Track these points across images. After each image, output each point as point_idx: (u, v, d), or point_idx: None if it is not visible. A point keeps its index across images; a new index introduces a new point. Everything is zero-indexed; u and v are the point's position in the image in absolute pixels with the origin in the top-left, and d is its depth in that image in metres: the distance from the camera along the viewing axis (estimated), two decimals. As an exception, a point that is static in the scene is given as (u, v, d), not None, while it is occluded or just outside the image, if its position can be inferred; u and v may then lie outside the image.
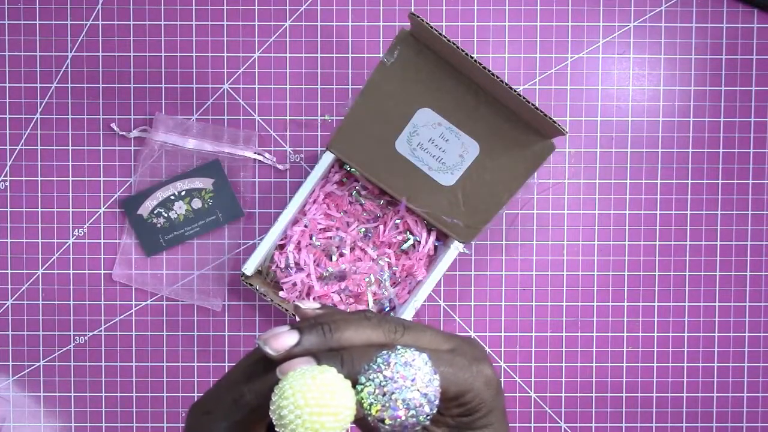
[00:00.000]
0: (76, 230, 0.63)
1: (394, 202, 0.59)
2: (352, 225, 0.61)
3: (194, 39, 0.63)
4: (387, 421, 0.25)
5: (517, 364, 0.64)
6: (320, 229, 0.61)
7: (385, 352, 0.26)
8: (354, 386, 0.25)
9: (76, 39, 0.62)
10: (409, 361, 0.25)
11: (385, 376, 0.25)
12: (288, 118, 0.63)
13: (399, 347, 0.26)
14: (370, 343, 0.27)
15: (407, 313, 0.57)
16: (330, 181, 0.60)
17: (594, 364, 0.64)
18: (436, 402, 0.26)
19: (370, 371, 0.26)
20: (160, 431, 0.64)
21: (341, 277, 0.60)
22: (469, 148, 0.54)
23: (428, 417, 0.26)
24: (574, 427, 0.64)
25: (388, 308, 0.61)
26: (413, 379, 0.25)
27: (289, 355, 0.26)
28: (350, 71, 0.63)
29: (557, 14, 0.63)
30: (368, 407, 0.25)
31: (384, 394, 0.25)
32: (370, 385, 0.25)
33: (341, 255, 0.61)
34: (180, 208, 0.62)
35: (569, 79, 0.63)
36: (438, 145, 0.54)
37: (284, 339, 0.26)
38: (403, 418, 0.25)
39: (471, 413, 0.28)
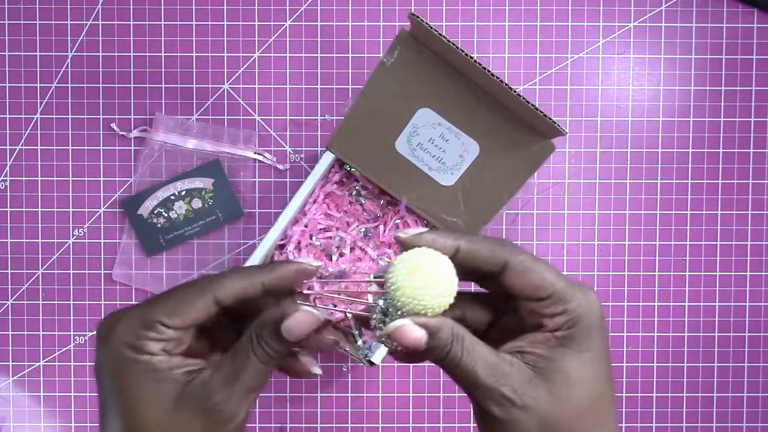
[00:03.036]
0: (76, 230, 0.63)
1: (394, 202, 0.59)
2: (352, 225, 0.61)
3: (194, 39, 0.63)
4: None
5: (517, 364, 0.64)
6: (320, 229, 0.61)
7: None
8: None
9: (76, 39, 0.62)
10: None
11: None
12: (288, 118, 0.63)
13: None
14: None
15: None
16: (330, 181, 0.60)
17: (594, 364, 0.64)
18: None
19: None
20: (160, 431, 0.64)
21: (341, 277, 0.60)
22: (469, 148, 0.54)
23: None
24: (574, 427, 0.64)
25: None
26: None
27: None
28: (350, 71, 0.63)
29: (557, 14, 0.63)
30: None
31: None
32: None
33: (341, 255, 0.61)
34: (180, 208, 0.62)
35: (569, 79, 0.63)
36: (438, 145, 0.54)
37: (418, 230, 0.31)
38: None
39: (567, 326, 0.29)
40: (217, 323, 0.32)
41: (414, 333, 0.29)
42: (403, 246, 0.31)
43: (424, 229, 0.31)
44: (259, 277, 0.30)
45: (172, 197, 0.62)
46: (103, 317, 0.30)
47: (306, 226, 0.60)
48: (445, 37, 0.48)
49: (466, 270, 0.30)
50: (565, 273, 0.63)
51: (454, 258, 0.30)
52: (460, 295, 0.31)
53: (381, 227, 0.60)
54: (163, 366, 0.28)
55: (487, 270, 0.30)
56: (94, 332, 0.63)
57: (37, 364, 0.63)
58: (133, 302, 0.63)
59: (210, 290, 0.30)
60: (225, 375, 0.29)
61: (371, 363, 0.57)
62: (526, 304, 0.30)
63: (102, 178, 0.63)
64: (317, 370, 0.32)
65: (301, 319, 0.29)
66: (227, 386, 0.28)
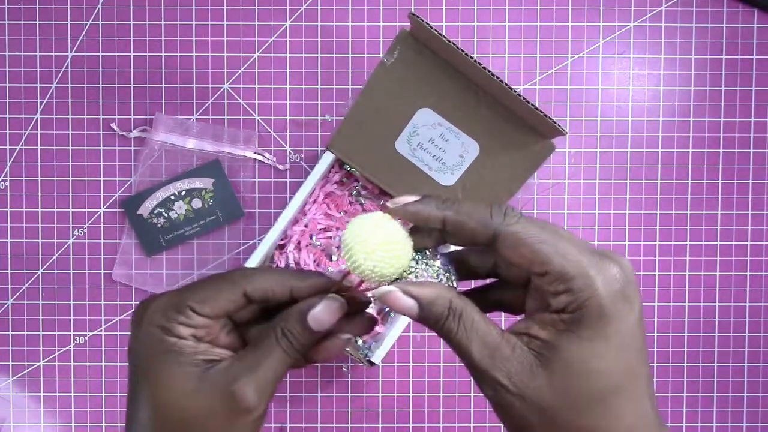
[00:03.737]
0: (76, 230, 0.63)
1: (394, 202, 0.59)
2: (352, 225, 0.61)
3: (194, 39, 0.63)
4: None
5: (517, 364, 0.64)
6: (320, 229, 0.61)
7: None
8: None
9: (76, 39, 0.62)
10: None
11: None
12: (288, 118, 0.63)
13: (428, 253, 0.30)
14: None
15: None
16: (330, 181, 0.60)
17: (594, 364, 0.64)
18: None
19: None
20: (160, 431, 0.64)
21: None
22: (469, 148, 0.54)
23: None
24: (574, 427, 0.64)
25: (388, 308, 0.61)
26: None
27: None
28: (350, 71, 0.63)
29: (557, 14, 0.63)
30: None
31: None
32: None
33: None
34: (180, 208, 0.62)
35: (569, 79, 0.63)
36: (438, 145, 0.54)
37: (405, 200, 0.30)
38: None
39: (572, 308, 0.26)
40: (252, 320, 0.32)
41: (402, 301, 0.28)
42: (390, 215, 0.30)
43: (412, 198, 0.29)
44: (290, 281, 0.31)
45: (172, 197, 0.62)
46: (139, 301, 0.30)
47: (306, 226, 0.60)
48: (445, 37, 0.48)
49: (459, 241, 0.29)
50: (565, 273, 0.63)
51: (442, 229, 0.29)
52: (488, 287, 0.32)
53: (381, 227, 0.60)
54: (188, 350, 0.29)
55: (478, 242, 0.28)
56: (94, 333, 0.63)
57: (37, 364, 0.63)
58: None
59: (241, 284, 0.30)
60: (247, 362, 0.29)
61: (371, 363, 0.57)
62: (533, 279, 0.27)
63: (102, 178, 0.63)
64: (347, 336, 0.32)
65: (328, 306, 0.30)
66: (248, 373, 0.29)
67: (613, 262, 0.26)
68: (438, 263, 0.30)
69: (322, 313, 0.30)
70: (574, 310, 0.26)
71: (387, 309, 0.61)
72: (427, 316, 0.28)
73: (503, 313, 0.32)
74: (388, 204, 0.30)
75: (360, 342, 0.61)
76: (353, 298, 0.31)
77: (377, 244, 0.28)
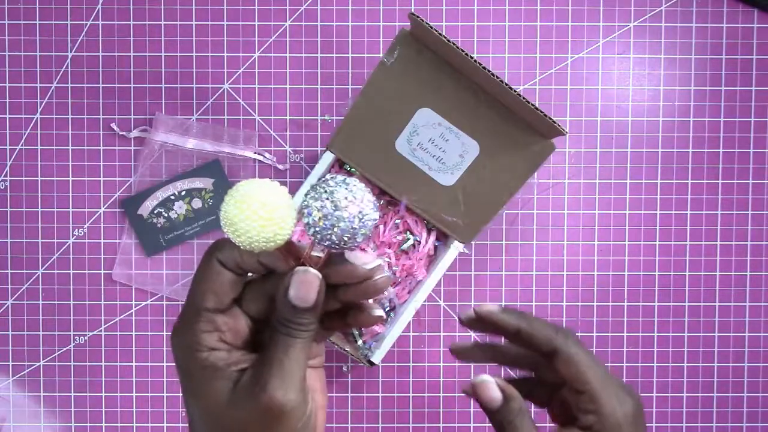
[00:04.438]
0: (76, 230, 0.63)
1: (394, 202, 0.59)
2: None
3: (194, 39, 0.63)
4: (329, 240, 0.28)
5: (517, 364, 0.64)
6: (320, 229, 0.61)
7: (326, 179, 0.29)
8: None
9: (76, 39, 0.62)
10: (348, 185, 0.29)
11: (325, 200, 0.28)
12: (288, 118, 0.63)
13: (332, 176, 0.29)
14: None
15: (407, 313, 0.57)
16: (330, 181, 0.60)
17: (594, 364, 0.64)
18: (372, 219, 0.29)
19: (310, 196, 0.29)
20: (160, 431, 0.64)
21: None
22: (469, 148, 0.54)
23: (366, 234, 0.29)
24: (574, 427, 0.64)
25: (388, 308, 0.61)
26: (345, 197, 0.28)
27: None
28: (350, 71, 0.63)
29: (557, 14, 0.63)
30: (310, 225, 0.28)
31: (324, 216, 0.28)
32: (312, 205, 0.28)
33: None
34: (180, 208, 0.62)
35: (569, 79, 0.63)
36: (438, 145, 0.54)
37: (493, 307, 0.36)
38: (341, 233, 0.28)
39: (596, 428, 0.32)
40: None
41: (492, 392, 0.33)
42: (477, 318, 0.36)
43: (496, 306, 0.35)
44: None
45: (172, 197, 0.62)
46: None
47: (306, 226, 0.60)
48: (445, 37, 0.48)
49: (522, 345, 0.35)
50: (565, 273, 0.63)
51: (515, 336, 0.34)
52: (526, 379, 0.37)
53: (381, 227, 0.60)
54: (221, 363, 0.29)
55: (538, 351, 0.34)
56: (94, 333, 0.63)
57: (37, 364, 0.63)
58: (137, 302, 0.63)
59: (213, 254, 0.30)
60: (265, 362, 0.29)
61: (371, 363, 0.57)
62: (568, 394, 0.34)
63: (102, 178, 0.63)
64: (379, 312, 0.32)
65: (299, 281, 0.29)
66: (269, 372, 0.28)
67: (631, 397, 0.33)
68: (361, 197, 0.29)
69: (298, 289, 0.29)
70: (599, 430, 0.32)
71: (387, 308, 0.61)
72: (507, 410, 0.33)
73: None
74: (475, 309, 0.34)
75: (360, 342, 0.61)
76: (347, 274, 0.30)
77: (258, 206, 0.27)
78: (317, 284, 0.29)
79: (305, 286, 0.29)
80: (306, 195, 0.29)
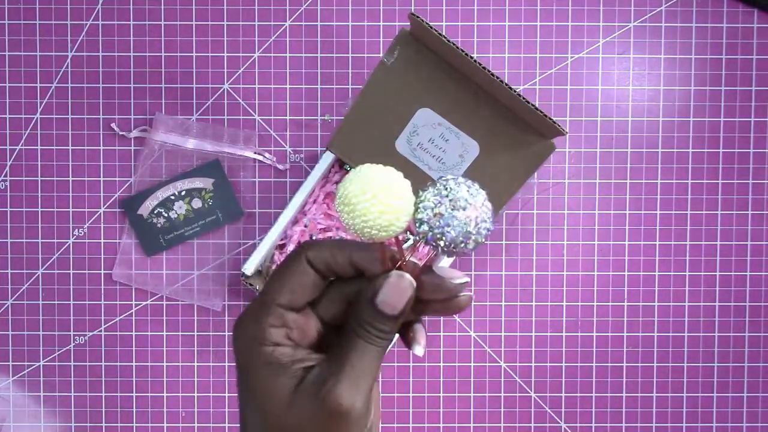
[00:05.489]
0: (76, 230, 0.63)
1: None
2: (352, 225, 0.61)
3: (194, 39, 0.63)
4: (440, 240, 0.27)
5: (517, 364, 0.64)
6: (320, 229, 0.61)
7: (446, 178, 0.27)
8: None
9: (76, 39, 0.62)
10: (469, 188, 0.27)
11: (444, 197, 0.27)
12: (288, 118, 0.63)
13: (453, 176, 0.28)
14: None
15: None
16: (330, 181, 0.60)
17: (594, 364, 0.64)
18: (487, 228, 0.27)
19: (429, 192, 0.27)
20: (160, 431, 0.64)
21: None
22: (469, 148, 0.54)
23: (478, 242, 0.27)
24: (574, 427, 0.64)
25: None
26: (465, 199, 0.27)
27: None
28: (350, 71, 0.63)
29: (557, 14, 0.63)
30: (423, 221, 0.27)
31: (440, 213, 0.27)
32: (429, 200, 0.27)
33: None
34: (180, 208, 0.62)
35: (569, 79, 0.63)
36: (438, 145, 0.54)
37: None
38: (455, 235, 0.27)
39: None
40: (343, 317, 0.31)
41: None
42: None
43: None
44: (348, 248, 0.29)
45: (172, 197, 0.62)
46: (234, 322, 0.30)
47: (306, 226, 0.60)
48: (445, 37, 0.48)
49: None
50: (565, 273, 0.63)
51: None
52: None
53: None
54: (285, 359, 0.28)
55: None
56: (94, 333, 0.63)
57: (37, 364, 0.63)
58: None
59: (303, 252, 0.29)
60: (334, 364, 0.28)
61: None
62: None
63: (102, 178, 0.63)
64: (419, 351, 0.30)
65: (393, 287, 0.28)
66: (336, 375, 0.27)
67: None
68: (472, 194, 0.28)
69: (388, 295, 0.28)
70: None
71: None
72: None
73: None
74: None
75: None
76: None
77: (380, 190, 0.26)
78: (410, 292, 0.28)
79: (398, 292, 0.28)
80: (423, 190, 0.28)
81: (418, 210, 0.27)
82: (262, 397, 0.28)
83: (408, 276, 0.28)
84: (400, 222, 0.27)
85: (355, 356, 0.27)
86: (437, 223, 0.27)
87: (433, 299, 0.29)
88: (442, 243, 0.27)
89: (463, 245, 0.27)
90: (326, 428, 0.27)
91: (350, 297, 0.30)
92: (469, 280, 0.29)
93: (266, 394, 0.28)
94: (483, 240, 0.28)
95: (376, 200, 0.26)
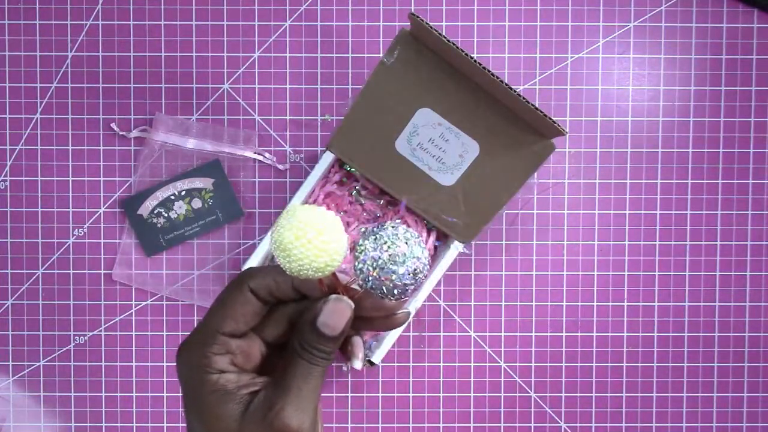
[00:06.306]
0: (76, 230, 0.63)
1: (394, 202, 0.59)
2: (352, 225, 0.61)
3: (194, 39, 0.63)
4: (378, 290, 0.28)
5: (517, 364, 0.64)
6: (320, 229, 0.61)
7: (386, 226, 0.29)
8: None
9: (76, 39, 0.62)
10: (408, 240, 0.29)
11: (383, 251, 0.28)
12: (288, 118, 0.63)
13: (393, 224, 0.29)
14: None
15: (407, 313, 0.57)
16: (330, 181, 0.60)
17: (594, 364, 0.64)
18: (424, 276, 0.29)
19: (369, 242, 0.29)
20: (160, 431, 0.64)
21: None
22: (469, 148, 0.54)
23: (415, 287, 0.29)
24: (574, 427, 0.64)
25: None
26: (404, 254, 0.28)
27: None
28: (350, 71, 0.63)
29: (557, 14, 0.63)
30: (362, 271, 0.28)
31: (380, 267, 0.28)
32: (368, 253, 0.28)
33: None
34: (180, 208, 0.62)
35: (569, 79, 0.63)
36: (438, 145, 0.54)
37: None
38: (392, 287, 0.28)
39: None
40: (286, 339, 0.32)
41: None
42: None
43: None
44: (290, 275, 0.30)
45: (172, 197, 0.62)
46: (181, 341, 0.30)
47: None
48: (445, 37, 0.48)
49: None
50: (565, 273, 0.63)
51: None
52: None
53: (381, 227, 0.60)
54: (231, 386, 0.29)
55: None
56: (94, 333, 0.63)
57: (37, 364, 0.63)
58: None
59: (245, 281, 0.30)
60: (280, 386, 0.28)
61: (371, 363, 0.57)
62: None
63: (102, 178, 0.63)
64: (357, 365, 0.32)
65: (332, 310, 0.29)
66: (283, 397, 0.28)
67: None
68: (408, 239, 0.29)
69: (328, 317, 0.29)
70: None
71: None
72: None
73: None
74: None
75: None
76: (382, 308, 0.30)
77: (314, 235, 0.27)
78: (348, 314, 0.29)
79: (337, 314, 0.29)
80: (363, 239, 0.29)
81: (357, 260, 0.29)
82: (210, 424, 0.28)
83: (346, 299, 0.29)
84: (334, 262, 0.28)
85: (300, 378, 0.28)
86: (376, 275, 0.28)
87: (372, 317, 0.30)
88: (380, 293, 0.29)
89: (400, 295, 0.29)
90: None
91: (293, 318, 0.31)
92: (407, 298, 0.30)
93: (214, 422, 0.28)
94: (419, 287, 0.29)
95: (311, 245, 0.27)
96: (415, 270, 0.28)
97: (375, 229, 0.29)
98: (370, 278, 0.28)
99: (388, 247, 0.28)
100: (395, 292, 0.28)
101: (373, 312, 0.30)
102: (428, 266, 0.29)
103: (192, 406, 0.29)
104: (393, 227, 0.29)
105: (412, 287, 0.29)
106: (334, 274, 0.30)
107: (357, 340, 0.32)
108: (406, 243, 0.28)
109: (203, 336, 0.29)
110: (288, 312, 0.31)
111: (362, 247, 0.29)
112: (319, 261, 0.27)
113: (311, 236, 0.27)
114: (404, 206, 0.57)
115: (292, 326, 0.31)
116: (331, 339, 0.29)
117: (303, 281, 0.30)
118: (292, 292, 0.30)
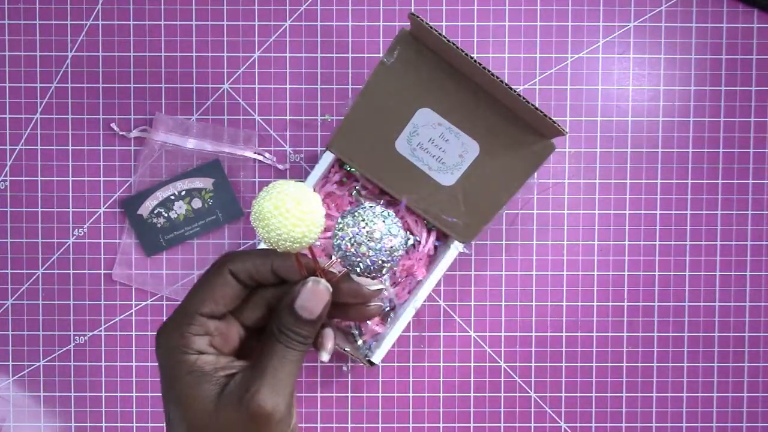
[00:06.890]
0: (76, 230, 0.63)
1: (394, 202, 0.59)
2: (352, 225, 0.61)
3: (194, 39, 0.63)
4: (356, 267, 0.29)
5: (517, 364, 0.64)
6: (320, 229, 0.61)
7: (365, 207, 0.30)
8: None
9: (76, 39, 0.62)
10: (385, 219, 0.29)
11: (361, 228, 0.29)
12: (288, 118, 0.63)
13: (371, 204, 0.30)
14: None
15: (407, 313, 0.57)
16: (330, 181, 0.60)
17: (594, 364, 0.64)
18: (400, 255, 0.30)
19: (348, 219, 0.29)
20: (159, 431, 0.64)
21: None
22: (469, 148, 0.54)
23: (391, 267, 0.30)
24: (574, 427, 0.64)
25: (387, 308, 0.61)
26: (380, 231, 0.29)
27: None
28: (350, 71, 0.63)
29: (557, 14, 0.63)
30: (341, 247, 0.29)
31: (357, 242, 0.29)
32: (347, 230, 0.29)
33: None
34: (180, 208, 0.62)
35: (569, 79, 0.63)
36: (438, 145, 0.54)
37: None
38: (369, 264, 0.29)
39: None
40: (264, 323, 0.32)
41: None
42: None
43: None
44: (270, 258, 0.31)
45: (172, 197, 0.62)
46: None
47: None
48: (445, 37, 0.48)
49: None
50: (565, 273, 0.63)
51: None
52: None
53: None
54: (208, 368, 0.29)
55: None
56: (94, 333, 0.63)
57: (37, 364, 0.63)
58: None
59: (225, 264, 0.30)
60: (256, 369, 0.29)
61: (371, 363, 0.57)
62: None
63: (102, 178, 0.63)
64: (324, 357, 0.32)
65: (310, 292, 0.29)
66: (258, 380, 0.28)
67: None
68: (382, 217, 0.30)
69: (306, 300, 0.29)
70: None
71: (387, 308, 0.61)
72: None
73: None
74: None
75: (360, 342, 0.61)
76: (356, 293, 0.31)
77: (292, 205, 0.28)
78: (326, 298, 0.30)
79: (315, 297, 0.29)
80: (342, 217, 0.30)
81: (336, 236, 0.29)
82: (187, 405, 0.28)
83: (324, 282, 0.30)
84: (312, 234, 0.29)
85: (277, 361, 0.29)
86: (353, 251, 0.29)
87: (348, 303, 0.31)
88: (357, 269, 0.29)
89: (376, 273, 0.30)
90: (251, 431, 0.28)
91: (271, 303, 0.31)
92: (384, 287, 0.31)
93: (190, 402, 0.28)
94: (396, 266, 0.30)
95: (290, 214, 0.28)
96: (391, 247, 0.29)
97: (354, 208, 0.30)
98: (348, 254, 0.29)
99: (366, 224, 0.29)
100: (372, 268, 0.29)
101: (350, 298, 0.31)
102: (405, 245, 0.31)
103: (169, 388, 0.29)
104: (371, 206, 0.30)
105: (389, 264, 0.29)
106: (313, 256, 0.31)
107: (328, 332, 0.32)
108: (384, 221, 0.29)
109: (182, 317, 0.29)
110: (267, 296, 0.32)
111: (341, 224, 0.29)
112: (297, 231, 0.28)
113: (290, 206, 0.28)
114: (404, 206, 0.58)
115: (271, 311, 0.32)
116: (308, 322, 0.29)
117: (282, 264, 0.30)
118: (272, 276, 0.31)
